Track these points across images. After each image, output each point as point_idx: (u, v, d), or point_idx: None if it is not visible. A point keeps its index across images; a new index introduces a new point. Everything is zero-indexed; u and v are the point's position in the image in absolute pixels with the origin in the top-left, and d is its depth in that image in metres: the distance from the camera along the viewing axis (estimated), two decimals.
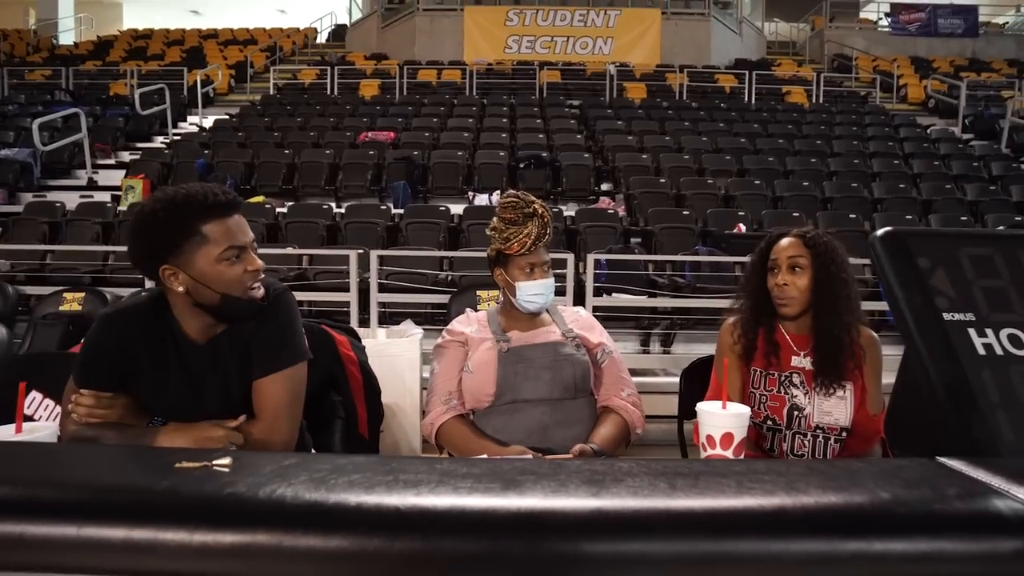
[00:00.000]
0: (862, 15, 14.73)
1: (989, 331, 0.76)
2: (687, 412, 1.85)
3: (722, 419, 1.01)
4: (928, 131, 8.54)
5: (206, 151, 6.88)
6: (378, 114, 8.26)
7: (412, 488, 0.49)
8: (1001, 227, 5.13)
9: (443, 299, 3.60)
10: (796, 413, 1.51)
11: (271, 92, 9.79)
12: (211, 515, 0.47)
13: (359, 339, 1.78)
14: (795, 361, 1.55)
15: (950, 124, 9.04)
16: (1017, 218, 5.37)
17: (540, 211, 1.56)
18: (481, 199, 6.19)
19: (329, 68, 9.81)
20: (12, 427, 0.81)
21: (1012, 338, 0.76)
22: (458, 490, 0.49)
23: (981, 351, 0.74)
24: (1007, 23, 15.11)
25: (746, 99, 9.69)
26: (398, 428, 2.73)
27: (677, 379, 2.47)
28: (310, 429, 1.42)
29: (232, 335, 1.16)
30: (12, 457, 0.60)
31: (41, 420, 1.43)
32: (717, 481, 0.53)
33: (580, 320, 1.65)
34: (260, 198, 6.07)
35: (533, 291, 1.55)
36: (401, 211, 5.32)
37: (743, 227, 4.97)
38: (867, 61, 12.18)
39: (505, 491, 0.50)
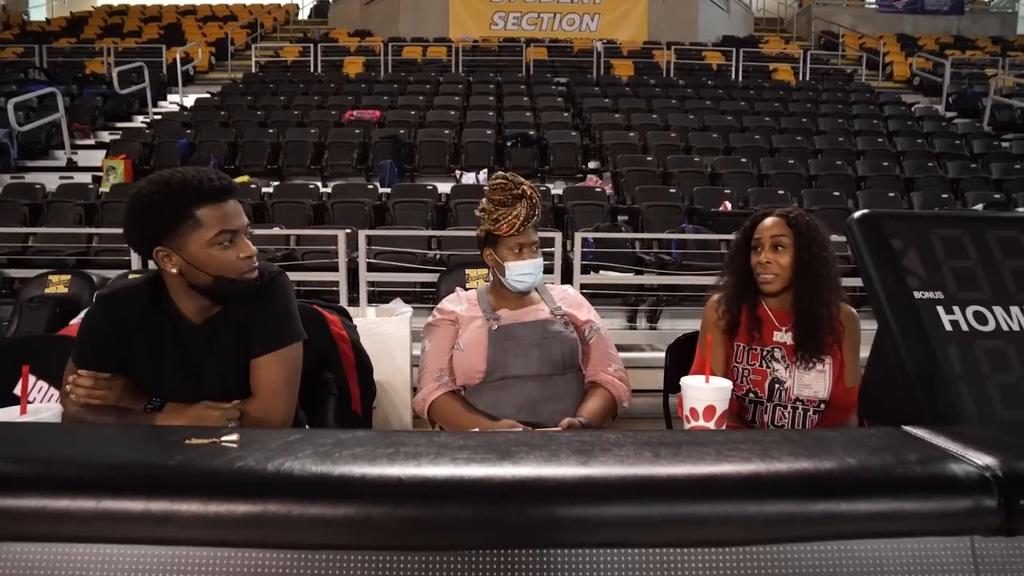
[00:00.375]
0: None
1: (956, 308, 0.80)
2: (672, 386, 1.90)
3: (705, 392, 1.06)
4: (912, 109, 8.61)
5: (188, 131, 6.77)
6: (363, 92, 8.15)
7: (412, 459, 0.53)
8: (980, 204, 5.23)
9: (432, 278, 3.62)
10: (777, 386, 1.57)
11: (253, 70, 9.60)
12: (224, 487, 0.50)
13: (350, 318, 1.81)
14: (777, 336, 1.60)
15: (934, 102, 9.11)
16: (996, 195, 5.47)
17: (529, 192, 1.58)
18: (468, 177, 6.17)
19: (312, 45, 9.63)
20: (16, 409, 0.83)
21: (977, 315, 0.80)
22: (456, 461, 0.53)
23: (948, 327, 0.79)
24: (992, 1, 15.15)
25: (733, 76, 9.67)
26: (389, 404, 2.77)
27: (663, 354, 2.52)
28: (304, 407, 1.45)
29: (228, 316, 1.18)
30: (26, 437, 0.62)
31: (37, 402, 1.44)
32: (698, 450, 0.57)
33: (568, 298, 1.68)
34: (245, 178, 6.01)
35: (522, 271, 1.58)
36: (388, 190, 5.30)
37: (729, 205, 5.02)
38: (854, 38, 12.19)
39: (500, 461, 0.53)
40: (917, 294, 0.81)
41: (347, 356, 1.64)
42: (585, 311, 1.66)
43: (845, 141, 6.91)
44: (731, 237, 4.89)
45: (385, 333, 2.76)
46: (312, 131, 6.56)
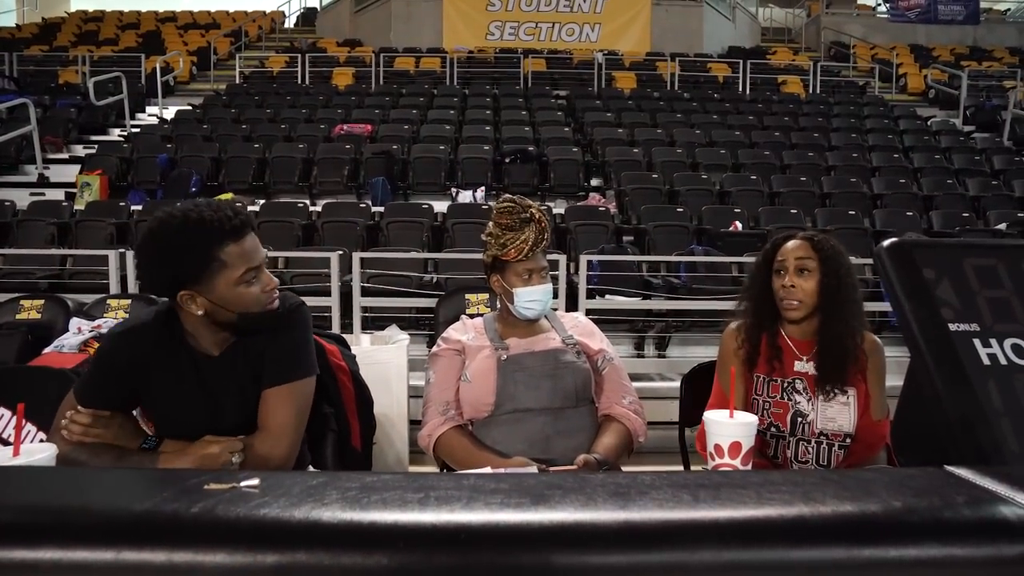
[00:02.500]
0: (859, 1, 15.03)
1: (993, 341, 0.82)
2: (688, 419, 1.92)
3: (730, 428, 1.07)
4: (928, 123, 8.76)
5: (168, 145, 6.83)
6: (353, 105, 8.25)
7: (445, 504, 0.54)
8: (1003, 224, 5.30)
9: (429, 303, 3.64)
10: (800, 419, 1.58)
11: (237, 81, 9.72)
12: (250, 536, 0.51)
13: (348, 347, 1.82)
14: (798, 366, 1.62)
15: (951, 115, 9.28)
16: (1020, 214, 5.55)
17: (537, 216, 1.61)
18: (465, 196, 6.23)
19: (299, 55, 9.77)
20: (9, 450, 0.84)
21: (1015, 348, 0.82)
22: (490, 505, 0.54)
23: (986, 361, 0.81)
24: (1009, 10, 15.52)
25: (740, 89, 9.85)
26: (385, 439, 2.76)
27: (674, 384, 2.52)
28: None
29: (246, 345, 1.22)
30: (30, 481, 0.63)
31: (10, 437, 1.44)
32: (737, 492, 0.58)
33: (580, 326, 1.70)
34: (228, 196, 6.05)
35: (531, 297, 1.60)
36: (381, 209, 5.34)
37: (739, 225, 5.08)
38: (865, 49, 12.44)
39: (535, 505, 0.54)
40: (952, 326, 0.83)
41: (347, 388, 1.65)
42: (598, 340, 1.67)
43: (859, 157, 7.02)
44: (744, 260, 4.94)
45: (381, 362, 2.76)
46: (300, 146, 6.63)
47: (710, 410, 1.13)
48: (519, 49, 11.21)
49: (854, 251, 4.41)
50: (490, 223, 1.66)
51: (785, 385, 1.61)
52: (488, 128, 7.56)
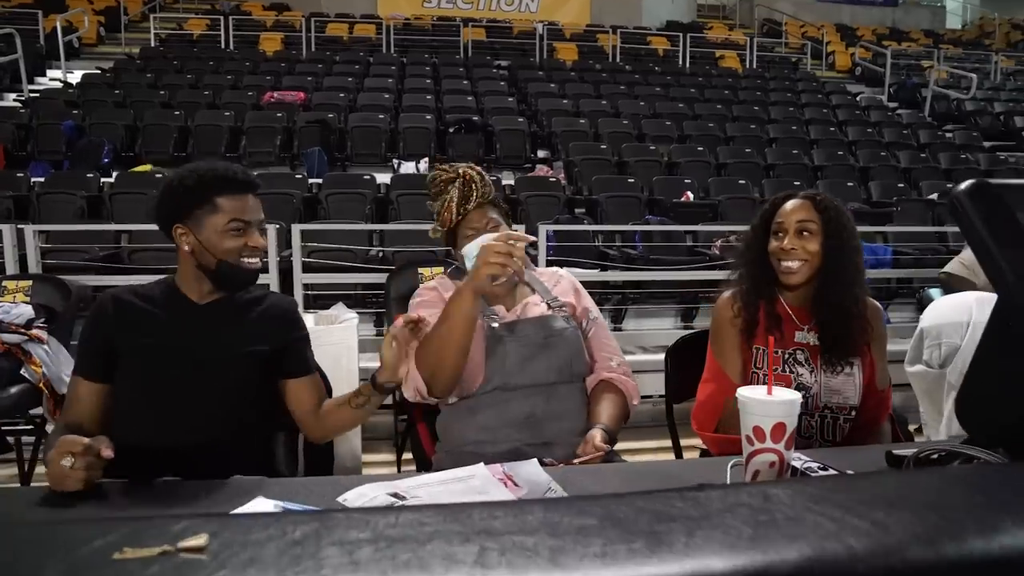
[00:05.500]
0: None
1: None
2: (676, 395, 1.78)
3: (773, 407, 0.92)
4: (858, 98, 9.02)
5: (75, 111, 6.14)
6: (283, 72, 7.70)
7: (521, 556, 0.34)
8: (934, 194, 5.48)
9: (378, 279, 3.37)
10: (803, 393, 1.46)
11: (152, 44, 8.90)
12: None
13: None
14: (798, 336, 1.49)
15: (876, 92, 9.60)
16: (948, 185, 5.74)
17: (463, 171, 1.44)
18: (407, 167, 5.92)
19: (222, 18, 9.03)
20: None
21: None
22: (590, 559, 0.34)
23: None
24: None
25: (680, 63, 9.84)
26: None
27: (641, 357, 2.37)
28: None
29: (237, 308, 1.30)
30: None
31: None
32: (920, 509, 0.41)
33: (562, 283, 1.52)
34: (147, 167, 5.50)
35: (474, 251, 1.40)
36: (319, 181, 4.97)
37: (691, 195, 5.02)
38: (796, 27, 12.71)
39: (655, 550, 0.35)
40: None
41: None
42: (583, 298, 1.50)
43: (799, 130, 7.12)
44: (698, 229, 4.87)
45: (328, 344, 2.50)
46: (227, 114, 6.10)
47: (743, 387, 0.97)
48: (457, 18, 10.80)
49: None
50: (428, 201, 1.49)
51: (786, 357, 1.48)
52: (429, 97, 7.22)
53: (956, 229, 4.56)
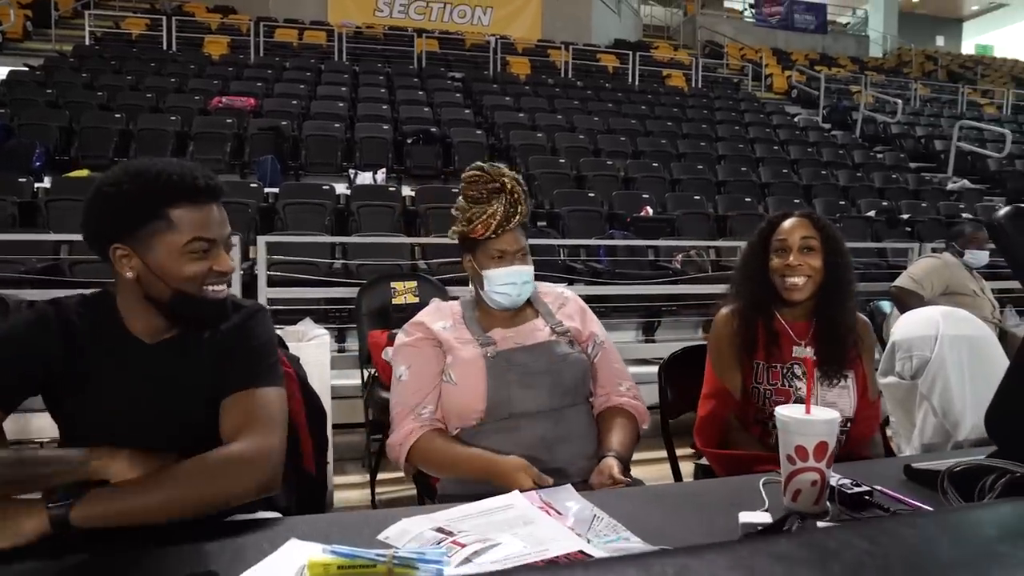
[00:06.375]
0: (729, 5, 16.03)
1: None
2: (671, 410, 1.78)
3: (816, 427, 0.92)
4: (795, 119, 9.48)
5: (1, 110, 5.72)
6: (231, 76, 7.43)
7: None
8: (872, 212, 5.79)
9: (345, 293, 3.27)
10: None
11: (87, 42, 8.43)
12: None
13: (286, 345, 1.49)
14: (796, 351, 1.53)
15: (812, 114, 10.11)
16: (884, 203, 6.09)
17: (510, 186, 1.37)
18: (364, 177, 5.79)
19: (164, 18, 8.65)
20: None
21: None
22: None
23: None
24: (848, 23, 17.28)
25: (630, 80, 10.09)
26: None
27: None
28: None
29: (189, 344, 1.03)
30: None
31: None
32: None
33: (567, 306, 1.49)
34: (84, 172, 5.18)
35: (503, 280, 1.37)
36: (275, 190, 4.80)
37: (650, 210, 5.12)
38: (735, 49, 13.27)
39: None
40: None
41: (295, 399, 1.33)
42: (588, 321, 1.48)
43: (745, 148, 7.41)
44: (660, 243, 4.96)
45: (302, 363, 2.40)
46: (172, 118, 5.83)
47: (782, 407, 0.97)
48: (409, 28, 10.74)
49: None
50: (459, 196, 1.42)
51: (785, 371, 1.51)
52: (385, 107, 7.12)
53: (896, 245, 4.83)
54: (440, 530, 0.85)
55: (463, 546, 0.79)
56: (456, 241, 1.47)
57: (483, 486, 1.17)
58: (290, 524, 0.90)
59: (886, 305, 3.43)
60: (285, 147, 5.89)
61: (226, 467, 0.90)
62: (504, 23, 11.73)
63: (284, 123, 6.06)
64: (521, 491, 1.00)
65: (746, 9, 15.11)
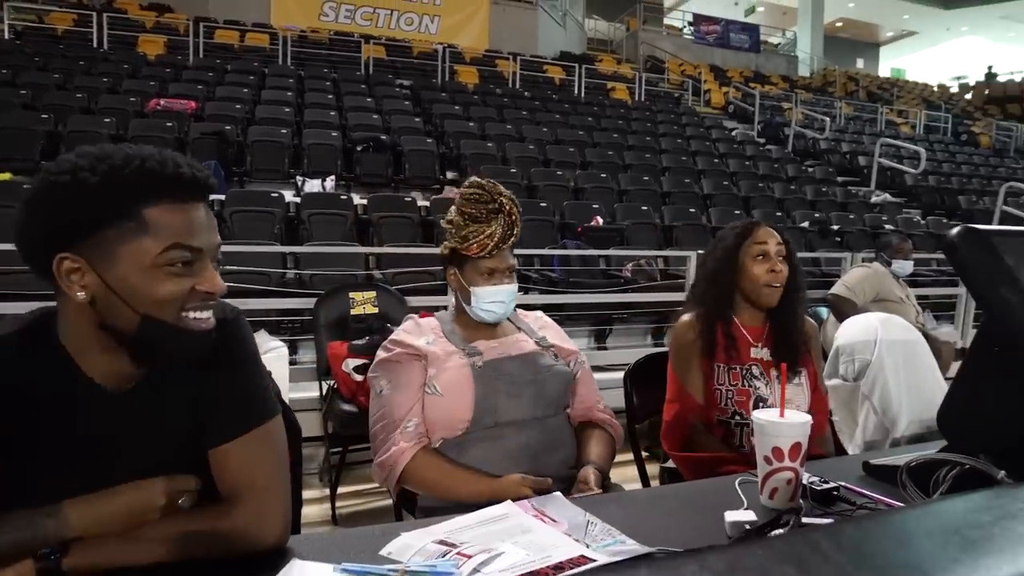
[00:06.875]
0: (669, 22, 16.61)
1: None
2: (637, 415, 1.85)
3: (792, 429, 0.99)
4: (733, 133, 9.90)
5: None
6: (169, 78, 7.15)
7: None
8: (805, 223, 6.11)
9: (301, 303, 3.21)
10: (761, 404, 1.58)
11: (6, 36, 7.92)
12: None
13: None
14: (753, 353, 1.63)
15: (747, 129, 10.59)
16: (817, 214, 6.44)
17: (508, 207, 1.40)
18: (313, 184, 5.68)
19: (94, 14, 8.23)
20: None
21: None
22: None
23: None
24: (779, 44, 18.20)
25: (576, 92, 10.30)
26: None
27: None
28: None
29: (163, 386, 0.83)
30: None
31: None
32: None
33: (548, 327, 1.54)
34: (6, 175, 4.86)
35: (493, 298, 1.40)
36: (221, 197, 4.64)
37: (600, 220, 5.24)
38: (675, 65, 13.76)
39: None
40: None
41: None
42: (569, 343, 1.53)
43: (687, 160, 7.68)
44: (612, 253, 5.04)
45: None
46: (107, 120, 5.55)
47: (759, 411, 1.04)
48: (355, 34, 10.61)
49: (698, 244, 4.80)
50: (451, 209, 1.44)
51: (744, 372, 1.60)
52: (333, 114, 7.00)
53: (829, 254, 5.13)
54: (443, 542, 0.86)
55: (469, 557, 0.81)
56: (443, 252, 1.47)
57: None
58: (293, 543, 0.89)
59: (823, 311, 3.64)
60: (230, 152, 5.71)
61: (232, 540, 0.81)
62: (452, 32, 11.76)
63: (228, 127, 5.87)
64: (513, 500, 1.03)
65: (685, 27, 15.68)
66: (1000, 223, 5.99)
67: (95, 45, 8.08)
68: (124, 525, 0.77)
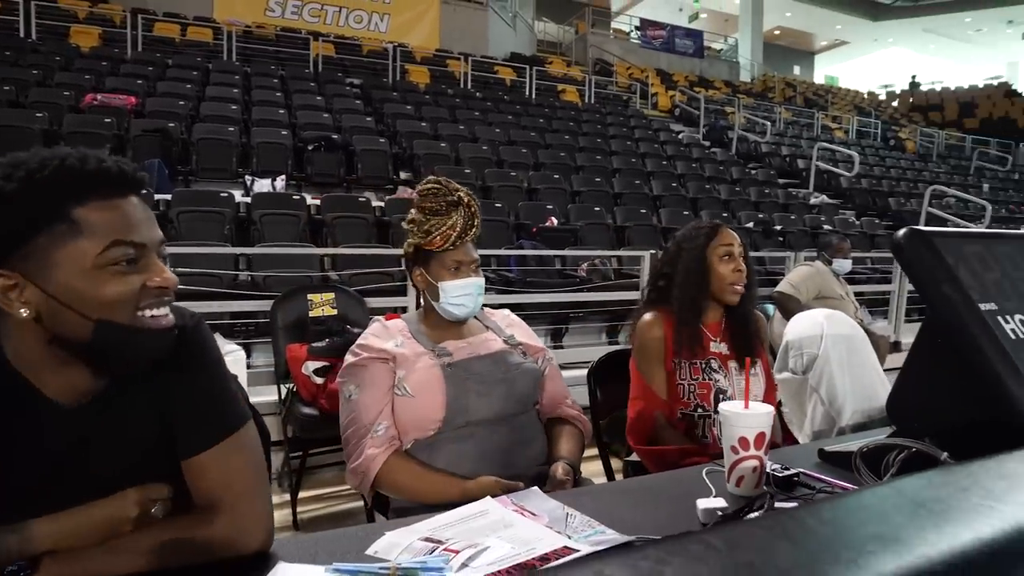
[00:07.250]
0: (617, 26, 16.91)
1: (1009, 318, 0.91)
2: (602, 412, 1.90)
3: (756, 419, 1.05)
4: (679, 136, 10.18)
5: None
6: (105, 72, 6.83)
7: None
8: (751, 223, 6.35)
9: (257, 306, 3.13)
10: (721, 396, 1.66)
11: None
12: None
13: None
14: (712, 347, 1.71)
15: (693, 131, 10.91)
16: (760, 215, 6.70)
17: (467, 200, 1.44)
18: (262, 184, 5.54)
19: (21, 2, 7.77)
20: None
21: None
22: None
23: (1012, 336, 0.89)
24: (721, 50, 18.80)
25: (527, 93, 10.38)
26: None
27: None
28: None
29: (124, 397, 0.80)
30: None
31: None
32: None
33: (515, 325, 1.56)
34: None
35: (461, 291, 1.42)
36: (167, 197, 4.48)
37: (555, 220, 5.31)
38: (623, 68, 14.03)
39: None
40: (982, 306, 0.90)
41: None
42: (536, 339, 1.56)
43: (637, 162, 7.86)
44: (567, 253, 5.11)
45: None
46: (38, 115, 5.26)
47: (725, 403, 1.09)
48: (303, 30, 10.39)
49: (650, 244, 4.93)
50: (412, 209, 1.45)
51: (704, 366, 1.67)
52: (282, 112, 6.84)
53: (773, 254, 5.35)
54: (428, 539, 0.87)
55: (456, 552, 0.82)
56: (407, 252, 1.49)
57: None
58: (277, 545, 0.89)
59: (769, 308, 3.80)
60: (173, 151, 5.51)
61: (214, 548, 0.79)
62: (402, 31, 11.65)
63: (171, 125, 5.66)
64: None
65: (632, 31, 16.01)
66: (926, 223, 6.38)
67: (22, 35, 7.64)
68: (97, 538, 0.76)
